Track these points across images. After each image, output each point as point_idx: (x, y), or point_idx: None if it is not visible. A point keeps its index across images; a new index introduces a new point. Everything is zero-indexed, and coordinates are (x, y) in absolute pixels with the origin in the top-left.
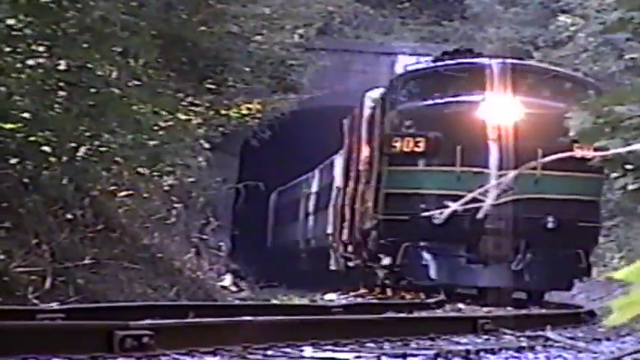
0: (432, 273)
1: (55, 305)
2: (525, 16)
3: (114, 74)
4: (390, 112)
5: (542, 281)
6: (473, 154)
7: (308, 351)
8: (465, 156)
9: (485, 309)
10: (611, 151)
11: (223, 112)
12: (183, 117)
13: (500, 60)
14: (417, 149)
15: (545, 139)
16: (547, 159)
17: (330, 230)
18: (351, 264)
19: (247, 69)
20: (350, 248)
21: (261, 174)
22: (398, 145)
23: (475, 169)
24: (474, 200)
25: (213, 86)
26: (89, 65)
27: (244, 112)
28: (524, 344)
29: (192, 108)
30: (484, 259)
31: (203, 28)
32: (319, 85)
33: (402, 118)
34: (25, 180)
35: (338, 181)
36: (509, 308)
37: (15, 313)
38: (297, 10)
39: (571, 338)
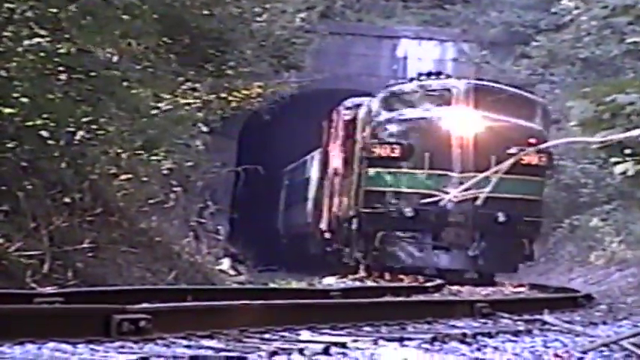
0: (403, 257)
1: (53, 289)
2: None
3: (114, 58)
4: (371, 122)
5: (493, 265)
6: (439, 159)
7: (305, 335)
8: (432, 160)
9: (484, 292)
10: (610, 137)
11: (223, 95)
12: (182, 100)
13: (464, 81)
14: (392, 154)
15: (499, 147)
16: (507, 163)
17: (309, 219)
18: (328, 248)
19: (249, 49)
20: (328, 235)
21: (260, 158)
22: (377, 150)
23: (440, 172)
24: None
25: (213, 69)
26: (90, 49)
27: (244, 94)
28: (521, 328)
29: (192, 92)
30: (447, 246)
31: (205, 11)
32: (320, 69)
33: (381, 128)
34: (24, 164)
35: (317, 175)
36: (507, 292)
37: (13, 296)
38: None
39: (568, 322)
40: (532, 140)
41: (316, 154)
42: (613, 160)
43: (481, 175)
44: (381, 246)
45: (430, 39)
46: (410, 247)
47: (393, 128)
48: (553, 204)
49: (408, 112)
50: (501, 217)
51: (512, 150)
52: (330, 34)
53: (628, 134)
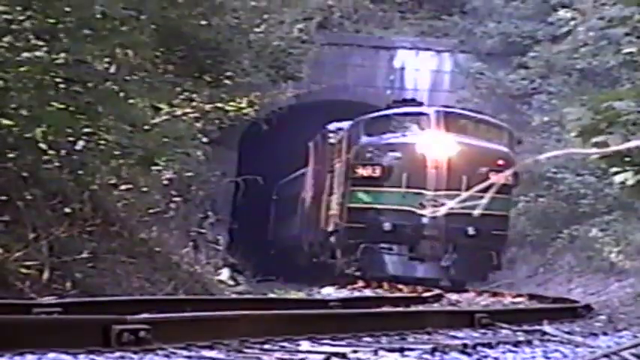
0: (384, 266)
1: (52, 299)
2: (525, 10)
3: (112, 69)
4: (354, 145)
5: (464, 274)
6: (415, 178)
7: (305, 345)
8: (409, 180)
9: (483, 303)
10: (608, 149)
11: (221, 105)
12: (180, 111)
13: (436, 108)
14: (373, 175)
15: (470, 168)
16: (482, 185)
17: (297, 232)
18: (315, 260)
19: (246, 60)
20: (315, 247)
21: (260, 168)
22: (359, 171)
23: (417, 190)
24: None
25: (211, 80)
26: (88, 60)
27: (243, 104)
28: (521, 338)
29: (190, 102)
30: (422, 257)
31: (203, 22)
32: (318, 79)
33: (363, 150)
34: (24, 174)
35: (305, 192)
36: (506, 302)
37: (12, 307)
38: (296, 2)
39: (568, 333)
40: (500, 162)
41: (304, 172)
42: (613, 170)
43: (466, 194)
44: (363, 257)
45: (427, 49)
46: (390, 258)
47: (373, 151)
48: (552, 214)
49: (387, 137)
50: (471, 231)
51: (482, 170)
52: (327, 44)
53: (627, 145)
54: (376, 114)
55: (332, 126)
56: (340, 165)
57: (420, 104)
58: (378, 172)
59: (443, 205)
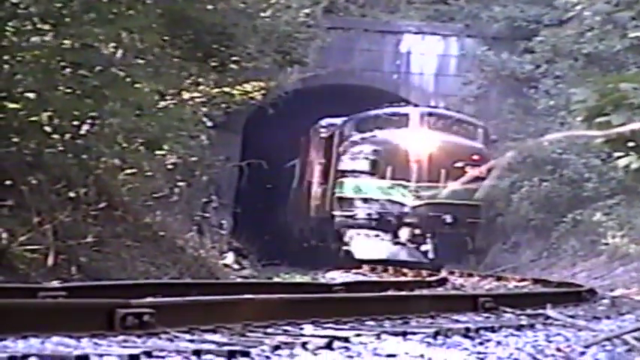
0: (371, 251)
1: (57, 283)
2: None
3: (118, 53)
4: (344, 141)
5: (443, 257)
6: (399, 171)
7: (308, 329)
8: (394, 173)
9: (487, 287)
10: (612, 130)
11: (227, 90)
12: (186, 95)
13: (419, 108)
14: (361, 167)
15: (448, 162)
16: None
17: (288, 219)
18: (305, 245)
19: (253, 44)
20: (305, 233)
21: (264, 152)
22: (349, 164)
23: (400, 182)
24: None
25: (217, 64)
26: (94, 44)
27: (248, 89)
28: (524, 322)
29: (196, 87)
30: (404, 242)
31: (209, 6)
32: (324, 64)
33: (352, 145)
34: (29, 158)
35: (297, 181)
36: (510, 286)
37: (17, 291)
38: None
39: (571, 316)
40: (475, 157)
41: (294, 164)
42: (616, 153)
43: (454, 185)
44: (352, 242)
45: (433, 34)
46: (375, 243)
47: (362, 146)
48: (556, 198)
49: (375, 133)
50: (448, 219)
51: (459, 164)
52: (333, 29)
53: (630, 127)
54: (365, 113)
55: (324, 121)
56: (332, 158)
57: (406, 103)
58: (365, 165)
59: (425, 195)
